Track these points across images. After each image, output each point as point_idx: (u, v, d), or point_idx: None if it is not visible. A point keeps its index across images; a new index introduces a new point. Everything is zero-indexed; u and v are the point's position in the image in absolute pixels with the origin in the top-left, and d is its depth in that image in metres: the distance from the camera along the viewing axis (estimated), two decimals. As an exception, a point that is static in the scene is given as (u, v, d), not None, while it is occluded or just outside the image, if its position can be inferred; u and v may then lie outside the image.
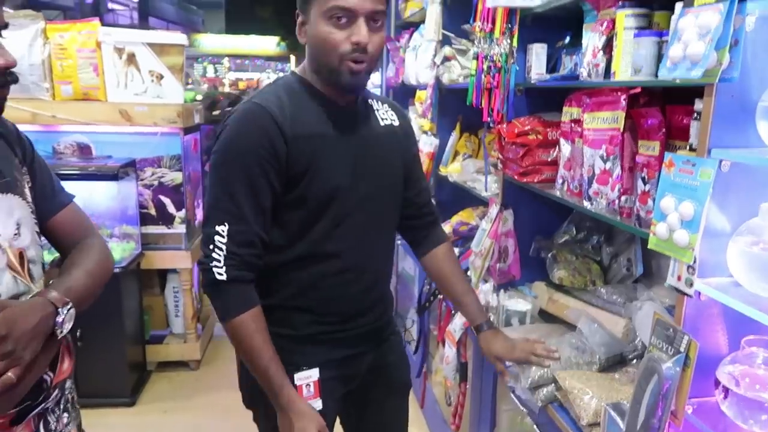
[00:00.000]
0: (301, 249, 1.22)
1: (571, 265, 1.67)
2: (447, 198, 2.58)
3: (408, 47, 3.05)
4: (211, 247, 1.16)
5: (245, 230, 1.16)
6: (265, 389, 1.20)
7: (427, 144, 2.55)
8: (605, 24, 1.25)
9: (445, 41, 2.40)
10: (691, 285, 0.93)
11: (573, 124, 1.41)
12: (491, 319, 1.45)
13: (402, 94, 3.27)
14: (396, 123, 1.34)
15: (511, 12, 1.60)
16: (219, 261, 1.15)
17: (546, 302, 1.70)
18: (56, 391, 1.01)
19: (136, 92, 2.85)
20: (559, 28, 1.65)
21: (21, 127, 3.04)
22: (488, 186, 1.88)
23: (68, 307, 0.93)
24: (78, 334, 1.03)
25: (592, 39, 1.29)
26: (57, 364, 1.00)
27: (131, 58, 2.83)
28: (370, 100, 1.32)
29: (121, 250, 2.80)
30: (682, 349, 0.93)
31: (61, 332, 0.92)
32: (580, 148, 1.35)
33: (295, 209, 1.20)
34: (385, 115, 1.33)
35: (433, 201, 1.50)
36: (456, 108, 2.49)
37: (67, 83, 2.82)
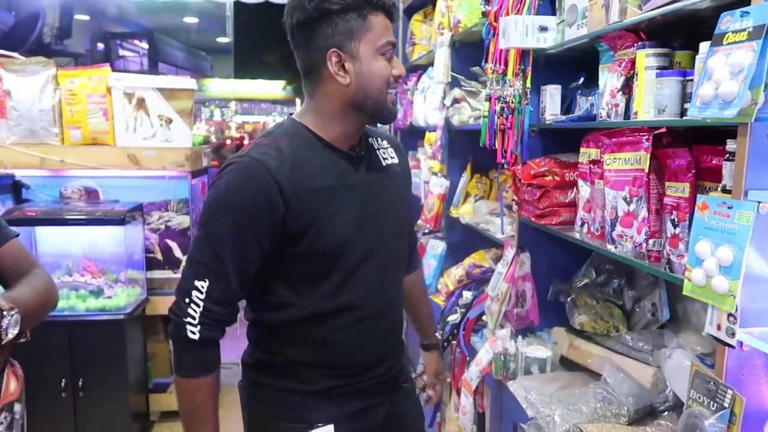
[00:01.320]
0: (312, 305, 1.17)
1: (592, 309, 1.61)
2: (458, 240, 2.54)
3: (416, 89, 3.06)
4: (187, 301, 1.11)
5: (225, 288, 1.12)
6: None
7: (437, 185, 2.52)
8: (623, 64, 1.23)
9: (454, 83, 2.40)
10: (733, 335, 0.87)
11: (592, 165, 1.37)
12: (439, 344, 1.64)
13: (410, 136, 3.27)
14: (396, 161, 1.31)
15: (523, 53, 1.59)
16: (194, 318, 1.11)
17: (567, 349, 1.63)
18: (3, 413, 0.98)
19: (144, 136, 2.85)
20: (572, 69, 1.63)
21: (29, 172, 3.04)
22: (503, 228, 1.84)
23: (13, 312, 0.97)
24: (22, 338, 1.11)
25: (610, 79, 1.27)
26: (1, 385, 1.01)
27: (141, 103, 2.84)
28: (370, 138, 1.28)
29: (126, 296, 2.75)
30: (726, 405, 0.87)
31: (6, 336, 0.94)
32: (600, 189, 1.31)
33: (301, 265, 1.16)
34: (386, 154, 1.30)
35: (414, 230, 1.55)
36: (466, 149, 2.47)
37: (76, 128, 2.83)
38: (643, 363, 1.38)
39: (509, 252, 1.72)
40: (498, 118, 1.67)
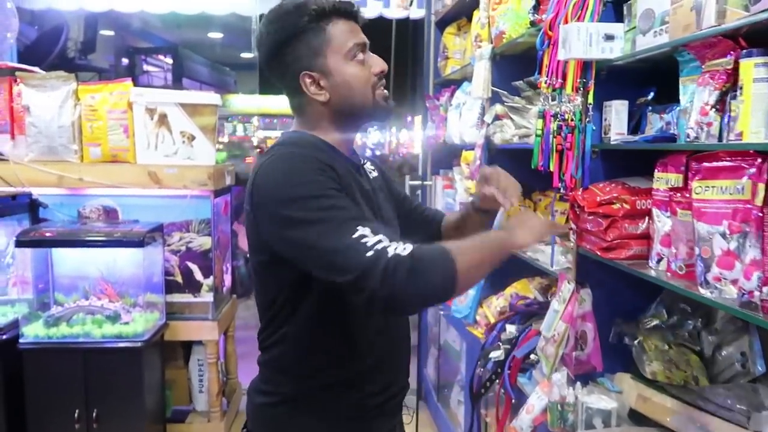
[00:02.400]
0: (326, 314, 1.10)
1: (665, 356, 1.41)
2: (497, 267, 2.35)
3: (450, 105, 2.90)
4: (369, 244, 0.92)
5: (382, 226, 1.02)
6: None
7: (475, 208, 2.34)
8: (718, 76, 1.05)
9: (494, 99, 2.23)
10: None
11: (673, 193, 1.19)
12: None
13: (444, 154, 3.10)
14: (376, 174, 1.32)
15: (585, 65, 1.41)
16: (390, 246, 0.92)
17: (635, 400, 1.43)
18: None
19: (166, 154, 2.73)
20: (637, 83, 1.46)
21: (47, 191, 2.90)
22: (554, 259, 1.65)
23: None
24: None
25: (699, 94, 1.09)
26: None
27: (163, 119, 2.72)
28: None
29: (144, 321, 2.60)
30: None
31: None
32: (686, 221, 1.12)
33: None
34: (369, 168, 1.30)
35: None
36: (507, 169, 2.27)
37: (96, 145, 2.71)
38: (737, 425, 1.18)
39: (566, 287, 1.53)
40: (554, 137, 1.49)
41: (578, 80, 1.42)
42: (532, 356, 1.86)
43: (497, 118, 2.19)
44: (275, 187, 1.01)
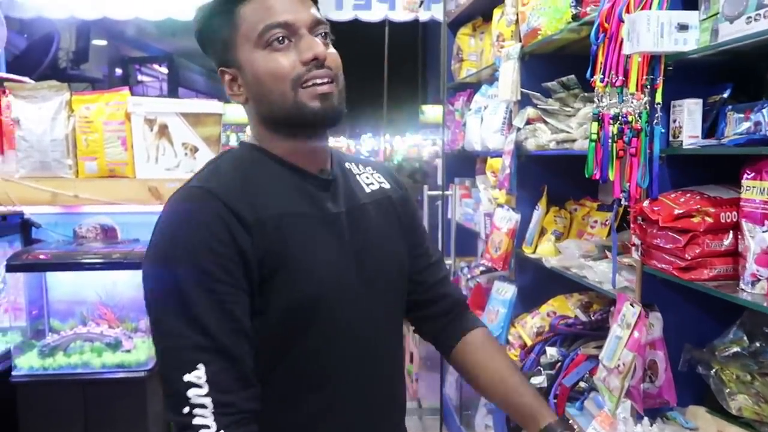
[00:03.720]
0: (284, 377, 0.89)
1: (750, 388, 1.24)
2: (530, 283, 2.18)
3: (467, 110, 2.74)
4: (187, 410, 0.78)
5: (230, 366, 0.80)
6: None
7: (504, 219, 2.17)
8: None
9: (524, 101, 2.07)
10: None
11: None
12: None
13: (462, 162, 2.95)
14: (387, 186, 1.05)
15: (652, 60, 1.25)
16: (209, 426, 0.77)
17: (717, 439, 1.26)
18: None
19: (167, 167, 2.55)
20: (711, 79, 1.29)
21: (40, 209, 2.66)
22: (615, 279, 1.48)
23: None
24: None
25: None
26: None
27: (163, 130, 2.55)
28: (347, 164, 1.04)
29: (147, 348, 2.41)
30: None
31: None
32: (796, 238, 0.96)
33: (267, 325, 0.86)
34: (371, 179, 1.04)
35: (450, 280, 1.15)
36: (539, 178, 2.13)
37: (92, 159, 2.53)
38: None
39: (629, 310, 1.36)
40: (615, 142, 1.33)
41: (644, 77, 1.25)
42: (582, 384, 1.69)
43: (528, 122, 2.02)
44: (154, 248, 0.86)
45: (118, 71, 5.73)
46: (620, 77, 1.31)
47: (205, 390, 0.78)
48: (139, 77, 6.28)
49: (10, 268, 2.30)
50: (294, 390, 0.89)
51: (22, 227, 2.49)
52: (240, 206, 0.84)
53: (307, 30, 0.88)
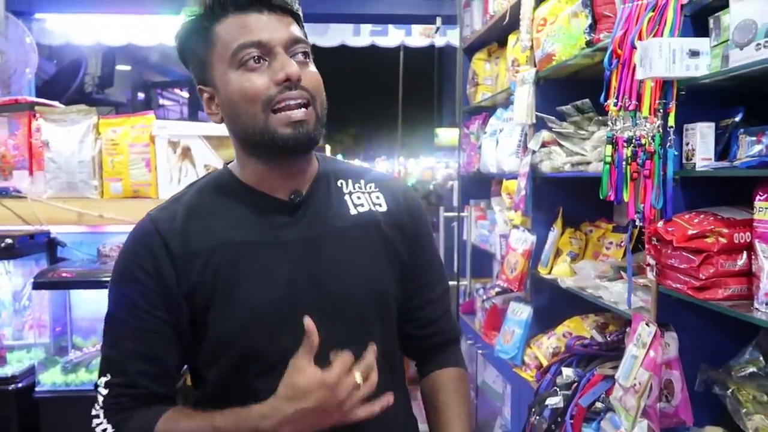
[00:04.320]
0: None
1: (767, 408, 1.24)
2: (546, 304, 2.19)
3: (483, 133, 2.78)
4: (95, 404, 0.92)
5: (123, 383, 0.89)
6: None
7: (519, 240, 2.20)
8: None
9: (539, 125, 2.11)
10: None
11: (785, 225, 1.04)
12: None
13: (477, 183, 2.98)
14: (381, 208, 0.98)
15: (665, 85, 1.29)
16: (98, 417, 0.90)
17: (734, 460, 1.26)
18: None
19: (189, 188, 2.61)
20: (722, 103, 1.32)
21: (66, 228, 2.72)
22: (630, 299, 1.50)
23: None
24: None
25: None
26: None
27: (186, 152, 2.62)
28: (339, 182, 0.99)
29: (166, 366, 2.46)
30: None
31: None
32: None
33: (205, 354, 0.91)
34: (363, 200, 0.98)
35: (450, 315, 1.10)
36: (554, 199, 2.16)
37: (117, 180, 2.61)
38: None
39: (644, 330, 1.38)
40: (628, 164, 1.36)
41: (657, 101, 1.29)
42: (598, 404, 1.69)
43: (543, 145, 2.06)
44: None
45: (141, 95, 5.89)
46: (633, 101, 1.35)
47: (105, 391, 0.90)
48: (161, 101, 6.43)
49: (37, 285, 2.36)
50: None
51: (48, 246, 2.56)
52: (172, 237, 0.88)
53: (284, 49, 0.86)
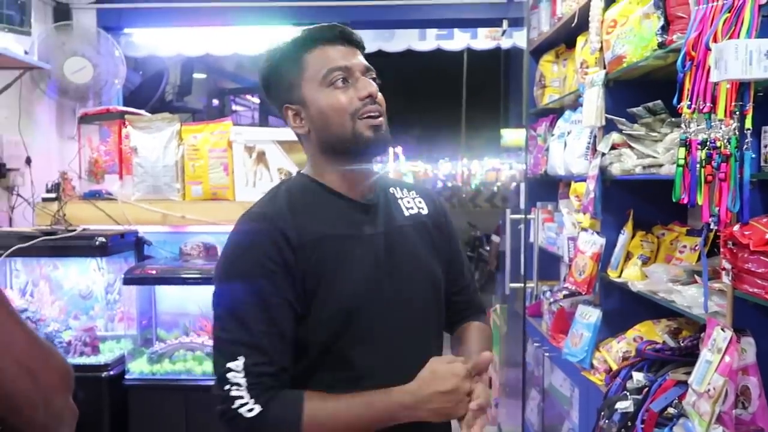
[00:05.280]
0: (323, 382, 1.05)
1: None
2: (616, 307, 2.17)
3: (550, 135, 2.77)
4: (227, 388, 0.98)
5: (264, 362, 1.00)
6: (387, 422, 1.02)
7: (588, 243, 2.18)
8: None
9: (609, 127, 2.09)
10: None
11: None
12: None
13: (543, 186, 2.97)
14: (424, 211, 1.21)
15: (741, 87, 1.27)
16: (242, 398, 0.97)
17: (817, 470, 1.23)
18: None
19: (264, 191, 2.70)
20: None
21: (152, 228, 2.92)
22: (707, 303, 1.47)
23: None
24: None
25: None
26: None
27: (261, 157, 2.76)
28: (391, 189, 1.20)
29: (242, 359, 2.59)
30: None
31: None
32: None
33: (311, 331, 1.06)
34: (411, 203, 1.20)
35: (477, 292, 1.34)
36: (624, 202, 2.13)
37: (197, 183, 2.78)
38: None
39: (720, 335, 1.36)
40: (703, 167, 1.34)
41: (733, 103, 1.27)
42: (670, 410, 1.67)
43: (613, 147, 2.04)
44: (219, 261, 1.08)
45: (215, 102, 6.18)
46: (708, 103, 1.33)
47: (243, 374, 0.98)
48: (233, 107, 6.71)
49: (127, 281, 2.56)
50: (330, 389, 1.04)
51: (136, 245, 2.76)
52: (289, 230, 1.03)
53: (361, 73, 1.08)
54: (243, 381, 0.98)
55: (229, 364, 0.98)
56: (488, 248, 8.59)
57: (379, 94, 1.09)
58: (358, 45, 1.11)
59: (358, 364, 1.06)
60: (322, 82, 1.06)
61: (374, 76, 1.10)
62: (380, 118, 1.07)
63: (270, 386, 1.00)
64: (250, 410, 0.97)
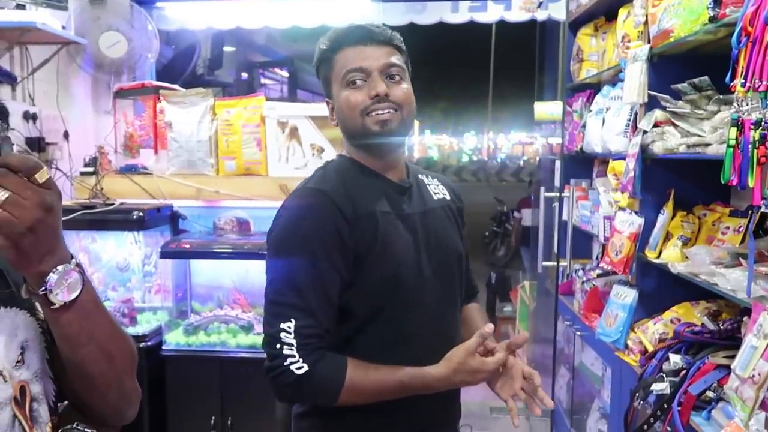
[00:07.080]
0: (367, 341, 1.17)
1: None
2: (653, 288, 2.14)
3: (588, 111, 2.71)
4: (279, 346, 1.09)
5: (313, 324, 1.11)
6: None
7: (626, 223, 2.15)
8: None
9: (651, 104, 2.03)
10: None
11: None
12: None
13: (578, 163, 2.91)
14: (447, 197, 1.35)
15: (800, 64, 1.21)
16: (294, 356, 1.08)
17: None
18: None
19: (296, 166, 2.75)
20: None
21: (187, 203, 2.97)
22: (750, 287, 1.44)
23: (73, 264, 0.67)
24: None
25: None
26: None
27: (293, 132, 2.75)
28: (420, 175, 1.34)
29: (275, 332, 2.63)
30: None
31: (49, 291, 0.66)
32: None
33: (359, 296, 1.16)
34: (437, 189, 1.34)
35: (474, 279, 1.49)
36: (665, 181, 2.08)
37: (231, 158, 2.79)
38: None
39: (766, 320, 1.33)
40: (756, 148, 1.30)
41: (791, 82, 1.22)
42: (709, 393, 1.65)
43: (656, 125, 1.99)
44: (277, 229, 1.17)
45: (244, 75, 6.17)
46: (764, 82, 1.28)
47: (293, 335, 1.08)
48: (263, 80, 6.71)
49: (163, 254, 2.60)
50: (376, 349, 1.16)
51: (171, 218, 2.80)
52: (344, 204, 1.13)
53: (379, 73, 1.17)
54: (294, 341, 1.08)
55: (282, 325, 1.08)
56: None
57: (399, 90, 1.18)
58: (385, 41, 1.19)
59: (400, 327, 1.18)
60: (342, 82, 1.18)
61: (398, 72, 1.19)
62: (387, 113, 1.16)
63: (317, 347, 1.10)
64: (300, 368, 1.07)
